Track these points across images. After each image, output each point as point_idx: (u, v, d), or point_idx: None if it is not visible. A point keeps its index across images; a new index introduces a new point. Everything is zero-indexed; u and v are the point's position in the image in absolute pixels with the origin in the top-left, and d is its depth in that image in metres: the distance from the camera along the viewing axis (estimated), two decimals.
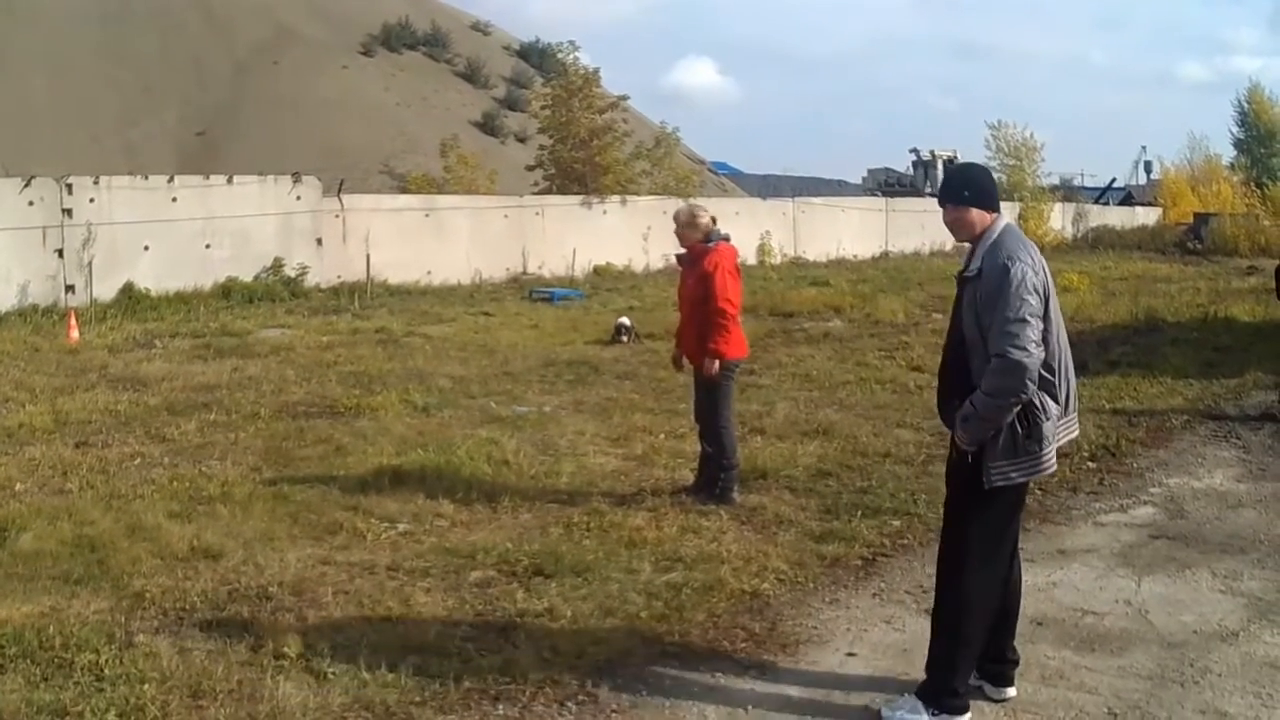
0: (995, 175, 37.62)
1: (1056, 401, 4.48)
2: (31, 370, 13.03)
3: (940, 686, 4.60)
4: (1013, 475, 4.45)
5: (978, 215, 4.60)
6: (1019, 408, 4.38)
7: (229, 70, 43.85)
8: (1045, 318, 4.43)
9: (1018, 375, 4.31)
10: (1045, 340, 4.41)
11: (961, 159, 51.45)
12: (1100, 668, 5.06)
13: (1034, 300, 4.38)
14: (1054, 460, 4.52)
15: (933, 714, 4.56)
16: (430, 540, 6.77)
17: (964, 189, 4.68)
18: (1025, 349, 4.30)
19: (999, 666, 4.81)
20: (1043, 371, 4.40)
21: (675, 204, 30.27)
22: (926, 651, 4.74)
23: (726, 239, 7.81)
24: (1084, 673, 5.01)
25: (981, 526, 4.57)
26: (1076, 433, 4.82)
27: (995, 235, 4.55)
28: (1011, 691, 4.78)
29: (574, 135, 31.10)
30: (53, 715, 4.47)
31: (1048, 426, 4.44)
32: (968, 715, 4.60)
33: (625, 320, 16.38)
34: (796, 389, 12.10)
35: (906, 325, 17.58)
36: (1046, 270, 4.54)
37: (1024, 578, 5.08)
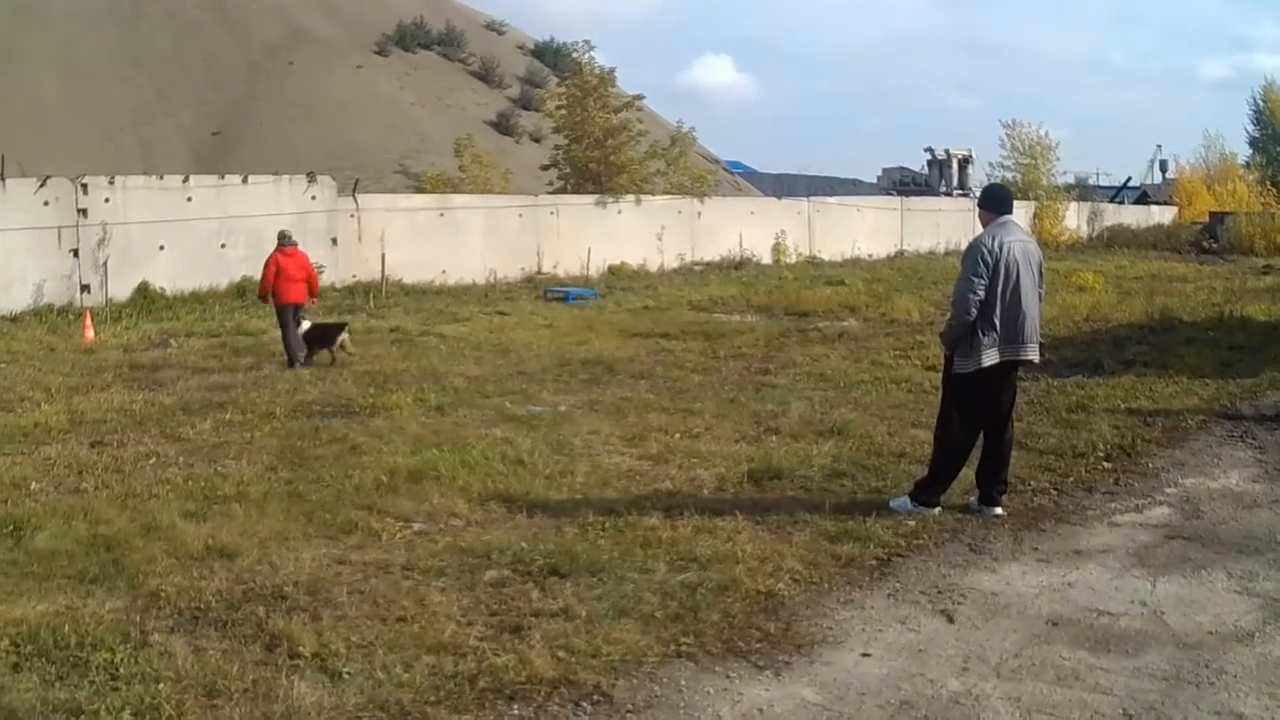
0: (1010, 174, 38.12)
1: (995, 331, 7.09)
2: (47, 370, 13.11)
3: (922, 489, 7.36)
4: (968, 366, 7.17)
5: (984, 215, 7.54)
6: (965, 328, 7.16)
7: (243, 70, 43.89)
8: (993, 279, 7.04)
9: (957, 307, 7.20)
10: (989, 293, 7.04)
11: (976, 158, 51.68)
12: (1115, 668, 5.04)
13: (971, 263, 7.16)
14: (993, 361, 7.10)
15: (914, 504, 7.30)
16: (445, 540, 6.78)
17: (980, 200, 7.87)
18: (962, 292, 7.14)
19: (989, 489, 7.36)
20: (985, 310, 7.07)
21: (691, 203, 30.54)
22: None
23: (288, 246, 14.20)
24: (1099, 673, 4.99)
25: (956, 399, 7.36)
26: (1025, 357, 7.29)
27: (985, 228, 7.40)
28: (998, 510, 7.28)
29: (589, 135, 31.13)
30: (68, 714, 4.48)
31: (984, 341, 7.09)
32: (936, 509, 7.24)
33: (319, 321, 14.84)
34: (811, 388, 12.09)
35: (921, 324, 17.56)
36: (1011, 250, 7.13)
37: (1039, 578, 6.20)
